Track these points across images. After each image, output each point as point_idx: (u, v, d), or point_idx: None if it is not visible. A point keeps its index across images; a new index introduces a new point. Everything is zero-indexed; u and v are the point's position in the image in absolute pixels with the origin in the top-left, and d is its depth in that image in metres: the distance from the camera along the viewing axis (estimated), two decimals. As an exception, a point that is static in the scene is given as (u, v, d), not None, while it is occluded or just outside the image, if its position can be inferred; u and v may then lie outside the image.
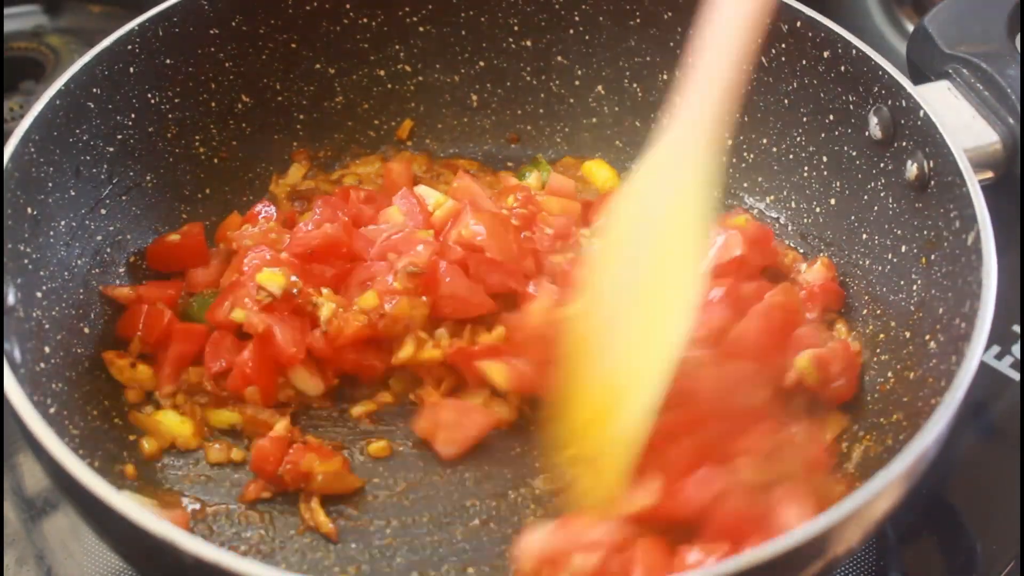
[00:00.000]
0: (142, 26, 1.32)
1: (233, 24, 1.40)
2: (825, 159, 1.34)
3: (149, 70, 1.34)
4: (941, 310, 1.15)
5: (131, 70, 1.32)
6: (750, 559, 0.88)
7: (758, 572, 0.88)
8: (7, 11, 1.82)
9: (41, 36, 1.82)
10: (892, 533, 1.26)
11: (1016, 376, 1.40)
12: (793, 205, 1.39)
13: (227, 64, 1.42)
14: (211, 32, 1.39)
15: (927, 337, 1.16)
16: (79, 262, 1.27)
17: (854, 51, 1.27)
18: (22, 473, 1.31)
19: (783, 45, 1.34)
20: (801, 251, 1.38)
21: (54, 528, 1.27)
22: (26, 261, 1.17)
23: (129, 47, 1.31)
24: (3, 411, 1.00)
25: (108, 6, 1.87)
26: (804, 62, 1.33)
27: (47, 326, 1.18)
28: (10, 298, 1.11)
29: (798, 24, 1.31)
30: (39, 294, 1.18)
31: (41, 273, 1.19)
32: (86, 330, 1.25)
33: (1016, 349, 1.43)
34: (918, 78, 1.30)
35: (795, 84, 1.35)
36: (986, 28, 1.30)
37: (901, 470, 0.95)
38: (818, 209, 1.37)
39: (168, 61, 1.36)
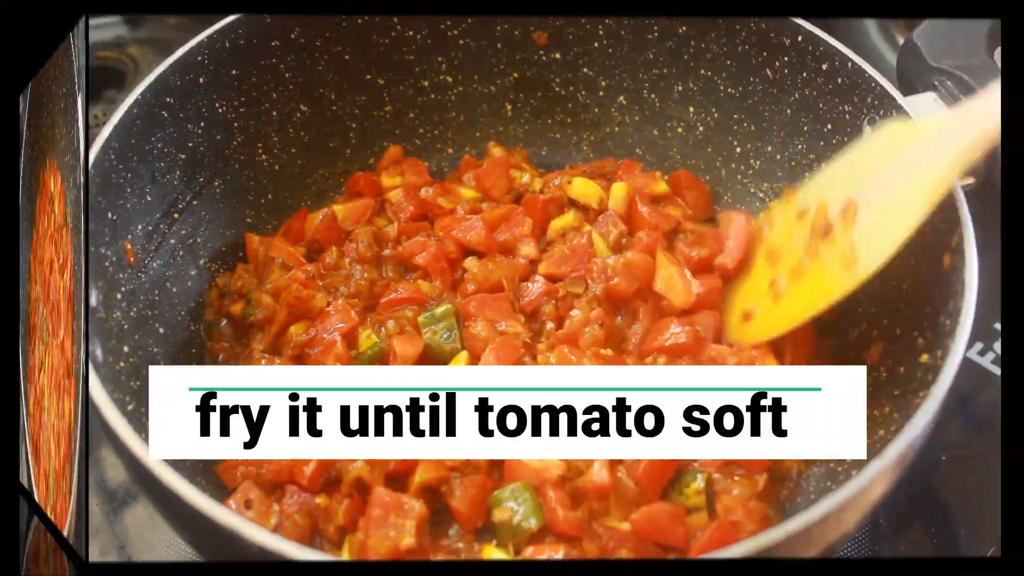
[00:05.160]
0: (211, 38, 1.36)
1: (292, 36, 1.45)
2: (824, 166, 1.36)
3: (217, 80, 1.39)
4: (928, 308, 1.19)
5: (200, 80, 1.37)
6: (750, 546, 0.92)
7: (758, 558, 0.93)
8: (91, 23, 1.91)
9: (122, 47, 1.87)
10: (884, 520, 1.31)
11: (997, 371, 1.43)
12: (796, 209, 1.42)
13: (287, 75, 1.47)
14: (272, 44, 1.44)
15: (915, 333, 1.20)
16: (154, 265, 1.31)
17: (850, 64, 1.32)
18: (105, 467, 1.36)
19: (786, 58, 1.39)
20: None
21: (134, 519, 1.32)
22: (107, 264, 1.22)
23: (199, 58, 1.36)
24: (88, 408, 1.05)
25: (183, 18, 1.90)
26: (805, 74, 1.38)
27: (126, 326, 1.22)
28: (93, 300, 1.15)
29: (799, 38, 1.37)
30: (118, 296, 1.23)
31: (119, 276, 1.24)
32: (161, 330, 1.30)
33: (997, 346, 1.45)
34: (907, 89, 1.35)
35: (797, 95, 1.41)
36: (968, 43, 1.34)
37: (892, 459, 1.00)
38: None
39: (234, 72, 1.41)
